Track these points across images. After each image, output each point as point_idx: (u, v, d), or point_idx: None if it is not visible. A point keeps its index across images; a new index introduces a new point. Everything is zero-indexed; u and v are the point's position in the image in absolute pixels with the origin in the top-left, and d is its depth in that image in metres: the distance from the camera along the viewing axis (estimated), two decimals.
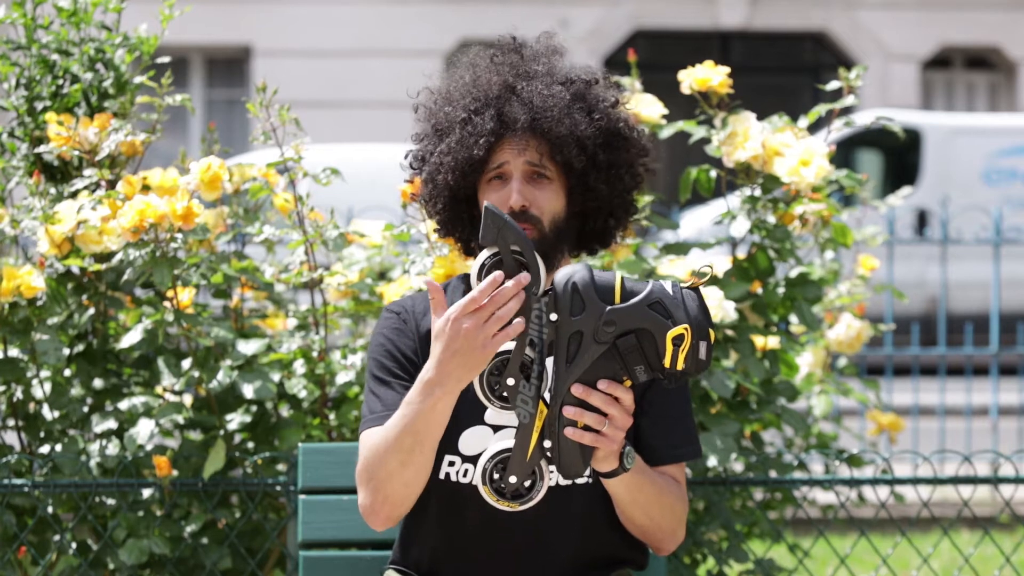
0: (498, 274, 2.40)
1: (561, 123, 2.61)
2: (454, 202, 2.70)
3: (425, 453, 2.54)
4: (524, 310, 2.41)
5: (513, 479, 2.47)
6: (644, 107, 3.60)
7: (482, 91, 2.66)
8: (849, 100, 3.63)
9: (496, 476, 2.49)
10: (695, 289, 2.44)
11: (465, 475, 2.63)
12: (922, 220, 12.09)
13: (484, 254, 2.44)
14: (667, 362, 2.39)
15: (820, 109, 3.65)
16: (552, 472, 2.61)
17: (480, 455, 2.60)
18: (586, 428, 2.42)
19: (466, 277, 2.75)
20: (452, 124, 2.66)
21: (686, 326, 2.39)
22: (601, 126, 2.66)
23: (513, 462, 2.46)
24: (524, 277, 2.40)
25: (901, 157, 13.01)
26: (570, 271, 2.41)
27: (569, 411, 2.41)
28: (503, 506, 2.49)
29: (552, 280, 2.42)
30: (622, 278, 2.42)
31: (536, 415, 2.43)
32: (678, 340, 2.39)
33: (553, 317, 2.40)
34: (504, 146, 2.63)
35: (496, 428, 2.61)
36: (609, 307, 2.39)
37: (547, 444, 2.43)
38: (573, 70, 2.70)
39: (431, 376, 2.48)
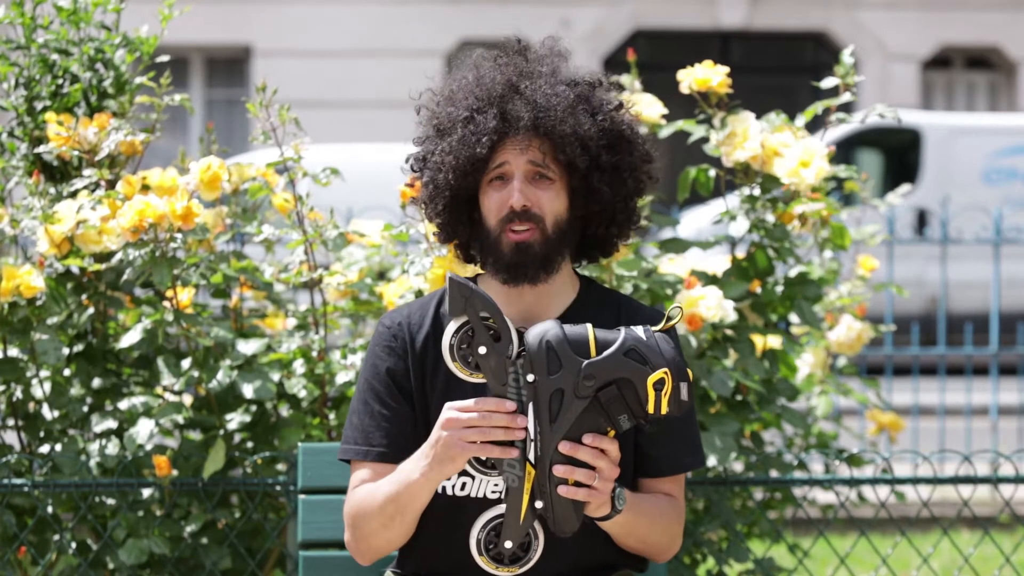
0: (510, 405, 2.42)
1: (564, 122, 2.59)
2: (455, 203, 2.67)
3: (406, 522, 2.58)
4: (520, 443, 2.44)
5: (508, 544, 2.48)
6: (644, 107, 3.59)
7: (485, 90, 2.64)
8: (846, 97, 3.62)
9: (491, 545, 2.51)
10: (667, 331, 2.44)
11: (463, 488, 2.62)
12: (922, 220, 12.09)
13: (452, 326, 2.45)
14: (650, 408, 2.39)
15: (817, 106, 3.64)
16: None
17: (474, 468, 2.60)
18: (576, 484, 2.42)
19: (473, 280, 2.75)
20: (454, 123, 2.64)
21: (665, 370, 2.39)
22: (605, 127, 2.64)
23: (507, 527, 2.47)
24: (522, 420, 2.42)
25: (901, 157, 13.00)
26: (541, 330, 2.41)
27: (559, 470, 2.41)
28: (503, 572, 2.51)
29: (525, 341, 2.42)
30: (593, 330, 2.42)
31: (524, 477, 2.43)
32: (659, 384, 2.39)
33: (530, 378, 2.41)
34: (506, 146, 2.61)
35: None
36: (586, 361, 2.39)
37: (539, 505, 2.43)
38: (577, 72, 2.69)
39: (418, 451, 2.54)
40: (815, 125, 3.77)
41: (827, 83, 3.64)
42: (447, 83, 2.72)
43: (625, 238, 2.75)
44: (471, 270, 2.82)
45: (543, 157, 2.61)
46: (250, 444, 3.58)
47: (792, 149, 3.52)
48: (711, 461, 3.48)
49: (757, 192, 3.60)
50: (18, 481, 3.45)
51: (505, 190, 2.61)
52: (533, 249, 2.60)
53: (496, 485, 2.61)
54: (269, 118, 3.47)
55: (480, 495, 2.62)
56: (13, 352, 3.54)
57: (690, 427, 2.70)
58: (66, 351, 3.54)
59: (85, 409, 3.59)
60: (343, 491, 2.98)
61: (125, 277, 3.48)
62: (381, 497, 2.57)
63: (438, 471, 2.50)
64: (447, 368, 2.61)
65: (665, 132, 3.63)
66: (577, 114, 2.61)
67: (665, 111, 3.61)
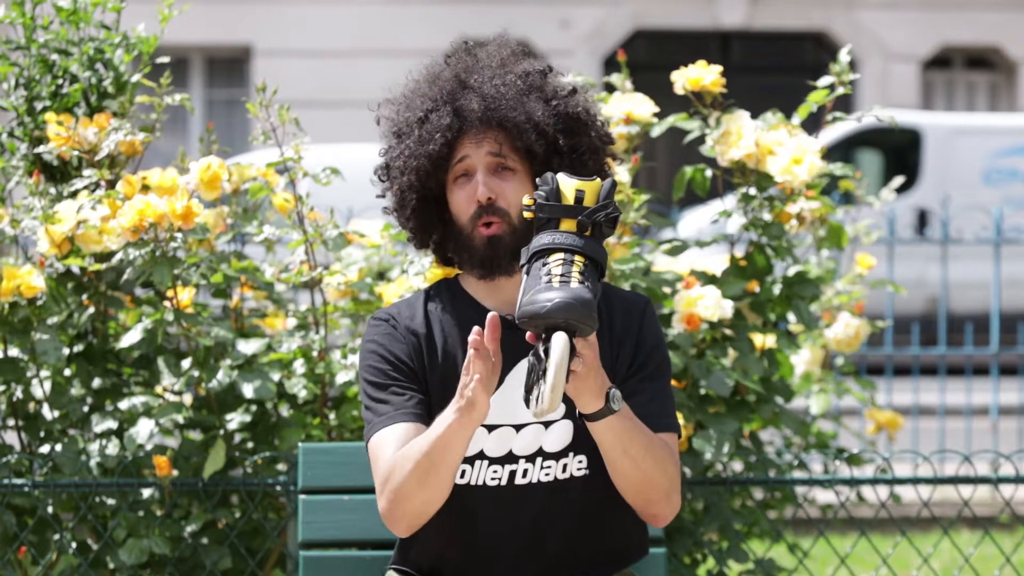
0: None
1: (516, 109, 2.64)
2: (423, 204, 2.72)
3: (441, 478, 2.54)
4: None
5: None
6: (635, 106, 3.60)
7: (436, 89, 2.69)
8: (839, 90, 3.62)
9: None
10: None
11: (462, 476, 2.63)
12: (922, 220, 12.09)
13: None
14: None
15: (811, 104, 3.63)
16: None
17: (476, 457, 2.60)
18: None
19: (454, 280, 2.77)
20: (411, 126, 2.70)
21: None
22: (560, 111, 2.68)
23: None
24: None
25: (902, 157, 13.01)
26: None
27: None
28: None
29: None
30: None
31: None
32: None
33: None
34: (464, 140, 2.66)
35: (491, 428, 2.62)
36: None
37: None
38: (528, 62, 2.73)
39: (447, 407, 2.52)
40: (814, 125, 3.77)
41: (822, 81, 3.64)
42: (403, 89, 2.77)
43: None
44: (453, 272, 2.84)
45: (500, 147, 2.65)
46: (250, 444, 3.58)
47: (785, 147, 3.52)
48: (708, 456, 3.48)
49: (753, 191, 3.60)
50: (18, 481, 3.45)
51: (470, 185, 2.65)
52: (503, 242, 2.64)
53: (496, 472, 2.63)
54: (269, 118, 3.47)
55: (479, 483, 2.63)
56: (13, 352, 3.54)
57: (665, 399, 2.68)
58: (66, 351, 3.54)
59: (85, 409, 3.59)
60: (343, 491, 2.99)
61: (125, 277, 3.49)
62: (415, 453, 2.54)
63: (467, 415, 2.47)
64: (443, 365, 2.64)
65: (656, 131, 3.62)
66: (529, 101, 2.66)
67: (656, 109, 3.61)
